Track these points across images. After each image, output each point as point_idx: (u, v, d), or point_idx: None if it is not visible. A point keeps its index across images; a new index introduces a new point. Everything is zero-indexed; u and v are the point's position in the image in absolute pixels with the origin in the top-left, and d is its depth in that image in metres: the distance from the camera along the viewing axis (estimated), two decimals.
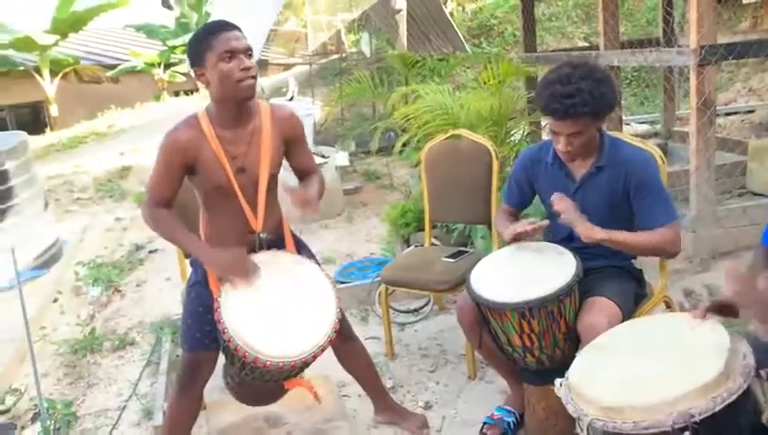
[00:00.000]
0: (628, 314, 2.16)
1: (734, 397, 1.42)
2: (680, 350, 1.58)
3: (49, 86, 12.39)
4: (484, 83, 4.32)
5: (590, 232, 2.12)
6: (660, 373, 1.52)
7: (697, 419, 1.39)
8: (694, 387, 1.42)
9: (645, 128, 6.01)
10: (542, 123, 4.56)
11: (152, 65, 12.76)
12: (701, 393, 1.42)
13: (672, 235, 2.15)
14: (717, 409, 1.40)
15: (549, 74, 2.20)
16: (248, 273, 2.07)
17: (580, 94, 2.05)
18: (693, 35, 3.34)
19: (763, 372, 1.48)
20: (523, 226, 2.26)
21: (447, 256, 3.05)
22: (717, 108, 5.97)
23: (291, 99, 6.12)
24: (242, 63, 2.02)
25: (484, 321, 2.23)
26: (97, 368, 3.37)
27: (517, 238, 2.28)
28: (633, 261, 2.41)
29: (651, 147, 2.54)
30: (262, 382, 2.14)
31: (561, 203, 2.17)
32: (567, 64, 2.17)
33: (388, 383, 2.84)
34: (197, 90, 10.93)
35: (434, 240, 3.69)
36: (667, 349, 1.61)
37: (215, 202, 2.17)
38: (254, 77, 2.06)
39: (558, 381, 1.68)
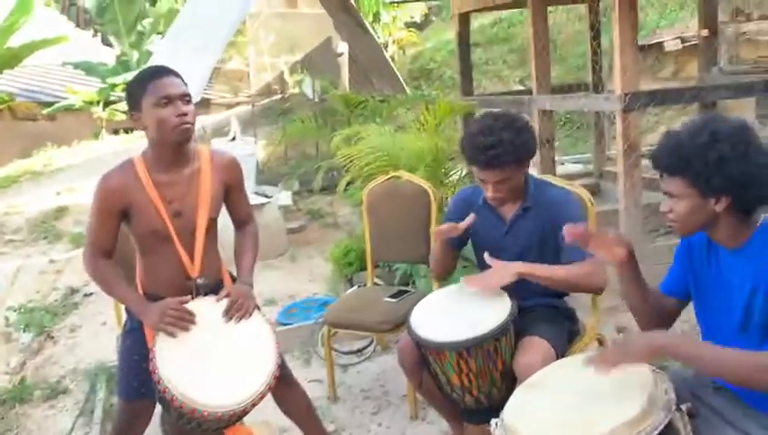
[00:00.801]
0: (561, 353, 2.24)
1: (656, 432, 1.48)
2: (607, 387, 1.64)
3: None
4: (423, 125, 4.43)
5: (505, 275, 2.19)
6: (588, 411, 1.58)
7: None
8: (619, 423, 1.48)
9: (578, 168, 6.25)
10: None
11: (91, 103, 12.50)
12: (626, 429, 1.48)
13: (593, 267, 2.21)
14: None
15: (472, 126, 2.32)
16: (182, 324, 2.05)
17: (502, 145, 2.17)
18: (617, 83, 3.54)
19: (683, 407, 1.55)
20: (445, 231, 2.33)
21: (389, 296, 3.09)
22: (645, 149, 6.28)
23: (233, 139, 6.11)
24: (178, 110, 2.04)
25: (425, 361, 2.26)
26: (26, 419, 3.23)
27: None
28: (566, 299, 2.51)
29: (579, 189, 2.66)
30: (200, 431, 2.11)
31: (471, 283, 2.26)
32: (489, 116, 2.30)
33: (330, 427, 2.82)
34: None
35: (377, 280, 3.72)
36: (596, 386, 1.67)
37: (151, 247, 2.16)
38: (191, 123, 2.08)
39: (493, 421, 1.71)
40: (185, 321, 2.05)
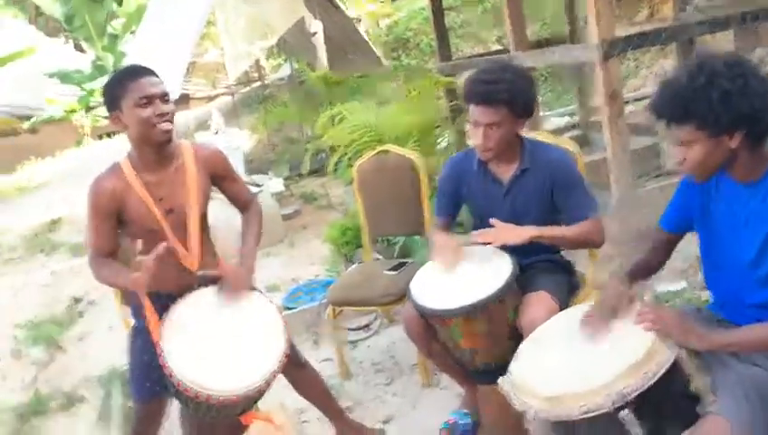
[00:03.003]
0: (564, 305, 2.25)
1: (663, 370, 1.51)
2: (611, 333, 1.68)
3: None
4: (406, 96, 4.42)
5: (521, 234, 2.20)
6: (595, 358, 1.61)
7: (633, 396, 1.48)
8: (626, 366, 1.51)
9: (565, 120, 6.24)
10: (466, 128, 4.69)
11: (72, 111, 12.38)
12: (633, 371, 1.51)
13: (593, 226, 2.26)
14: (650, 383, 1.49)
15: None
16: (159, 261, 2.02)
17: (501, 82, 2.18)
18: (593, 31, 3.51)
19: None
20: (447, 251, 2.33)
21: (389, 270, 3.11)
22: (628, 95, 6.26)
23: (216, 132, 6.08)
24: (158, 109, 2.06)
25: (431, 329, 2.29)
26: (45, 431, 3.26)
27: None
28: (562, 253, 2.53)
29: (567, 142, 2.67)
30: (220, 420, 2.14)
31: (484, 236, 2.23)
32: (496, 62, 2.32)
33: (345, 403, 2.86)
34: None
35: (376, 255, 3.74)
36: (600, 334, 1.70)
37: (149, 247, 2.16)
38: (171, 122, 2.10)
39: (501, 378, 1.75)
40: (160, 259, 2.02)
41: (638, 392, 1.48)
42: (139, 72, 2.11)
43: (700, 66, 1.56)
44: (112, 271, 2.12)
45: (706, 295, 2.94)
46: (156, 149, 2.11)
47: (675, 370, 1.54)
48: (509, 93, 2.18)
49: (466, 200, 2.51)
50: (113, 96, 2.09)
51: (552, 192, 2.31)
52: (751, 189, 1.62)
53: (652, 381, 1.49)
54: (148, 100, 2.05)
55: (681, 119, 1.56)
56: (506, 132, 2.25)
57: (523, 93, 2.23)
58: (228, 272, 2.20)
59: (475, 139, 2.29)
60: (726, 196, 1.69)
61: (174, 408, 2.27)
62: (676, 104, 1.56)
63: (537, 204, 2.33)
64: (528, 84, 2.26)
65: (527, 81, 2.27)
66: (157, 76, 2.12)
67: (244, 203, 2.41)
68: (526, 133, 2.46)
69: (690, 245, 1.93)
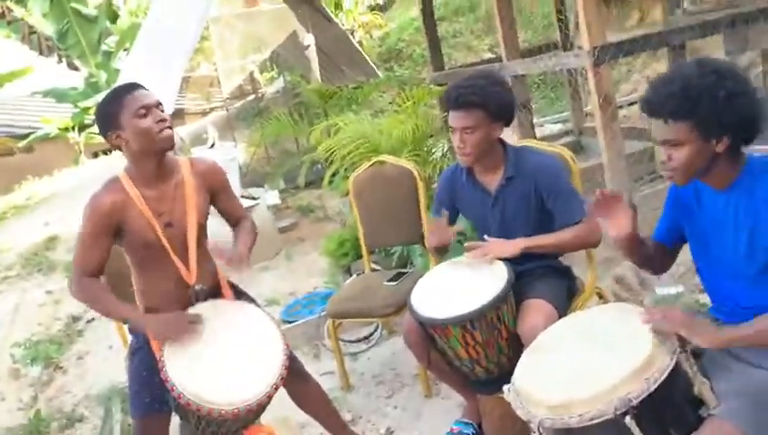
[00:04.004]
0: (562, 311, 2.26)
1: (665, 375, 1.51)
2: (611, 339, 1.68)
3: None
4: (399, 106, 4.44)
5: (510, 248, 2.24)
6: (596, 364, 1.61)
7: (635, 402, 1.47)
8: (628, 372, 1.51)
9: (558, 127, 6.26)
10: None
11: (66, 129, 12.38)
12: (635, 377, 1.51)
13: (588, 227, 2.27)
14: (652, 389, 1.49)
15: None
16: (189, 328, 2.08)
17: (473, 87, 2.25)
18: (584, 38, 3.54)
19: (688, 347, 1.58)
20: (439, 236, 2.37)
21: (388, 280, 3.11)
22: (620, 99, 6.27)
23: (212, 146, 6.09)
24: (157, 116, 2.09)
25: (431, 339, 2.28)
26: None
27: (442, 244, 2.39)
28: (560, 258, 2.53)
29: (561, 149, 2.68)
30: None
31: (474, 253, 2.30)
32: (477, 71, 2.42)
33: (347, 416, 2.85)
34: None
35: (374, 265, 3.74)
36: (600, 340, 1.70)
37: (146, 261, 2.18)
38: (171, 127, 2.12)
39: (505, 387, 1.74)
40: (192, 328, 2.09)
41: (640, 398, 1.48)
42: (130, 86, 2.15)
43: (704, 64, 1.57)
44: (113, 301, 2.13)
45: (705, 298, 2.94)
46: (156, 160, 2.13)
47: (676, 374, 1.54)
48: (480, 96, 2.23)
49: (461, 212, 2.53)
50: (110, 114, 2.10)
51: (540, 198, 2.33)
52: (726, 195, 1.67)
53: (654, 387, 1.49)
54: (147, 109, 2.08)
55: (683, 115, 1.56)
56: (483, 136, 2.28)
57: (496, 96, 2.27)
58: (230, 253, 2.19)
59: (454, 145, 2.34)
60: (708, 205, 1.73)
61: (175, 425, 2.25)
62: (682, 99, 1.55)
63: (526, 211, 2.35)
64: (502, 88, 2.32)
65: (501, 85, 2.33)
66: (147, 89, 2.15)
67: (237, 220, 2.41)
68: (518, 142, 2.48)
69: (684, 249, 1.95)
